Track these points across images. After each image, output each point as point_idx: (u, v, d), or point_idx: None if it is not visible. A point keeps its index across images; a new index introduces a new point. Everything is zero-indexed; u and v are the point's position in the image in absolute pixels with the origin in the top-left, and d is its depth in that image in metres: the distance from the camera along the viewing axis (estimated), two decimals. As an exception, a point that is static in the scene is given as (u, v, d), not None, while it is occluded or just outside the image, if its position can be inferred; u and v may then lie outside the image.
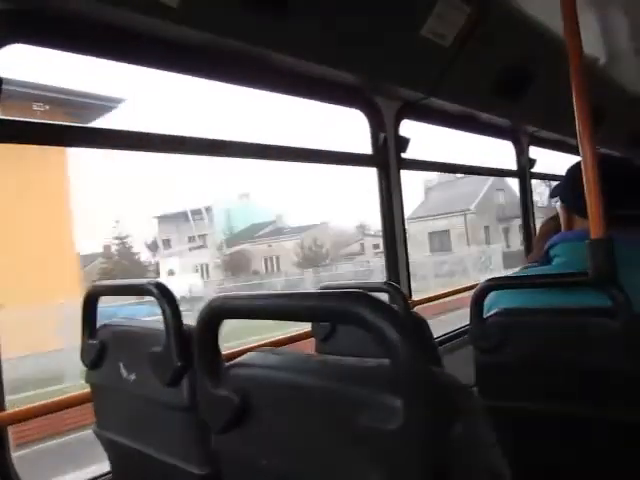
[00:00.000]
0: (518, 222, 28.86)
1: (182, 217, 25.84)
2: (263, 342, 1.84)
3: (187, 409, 0.87)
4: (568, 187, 1.33)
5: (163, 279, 19.52)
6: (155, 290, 0.92)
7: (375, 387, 0.53)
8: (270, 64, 1.72)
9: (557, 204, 1.38)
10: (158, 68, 1.54)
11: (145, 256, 24.96)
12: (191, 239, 25.77)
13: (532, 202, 3.37)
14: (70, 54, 1.35)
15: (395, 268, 2.14)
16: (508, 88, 2.54)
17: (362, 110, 2.14)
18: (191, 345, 0.84)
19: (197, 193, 29.88)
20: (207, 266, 25.18)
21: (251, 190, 30.53)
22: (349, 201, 40.74)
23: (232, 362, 0.70)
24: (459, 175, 24.70)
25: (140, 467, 1.05)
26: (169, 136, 1.57)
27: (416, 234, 25.59)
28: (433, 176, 27.13)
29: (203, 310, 0.66)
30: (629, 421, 1.07)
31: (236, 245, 25.96)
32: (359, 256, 26.77)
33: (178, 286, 16.79)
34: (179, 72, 1.61)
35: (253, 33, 1.54)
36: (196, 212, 26.05)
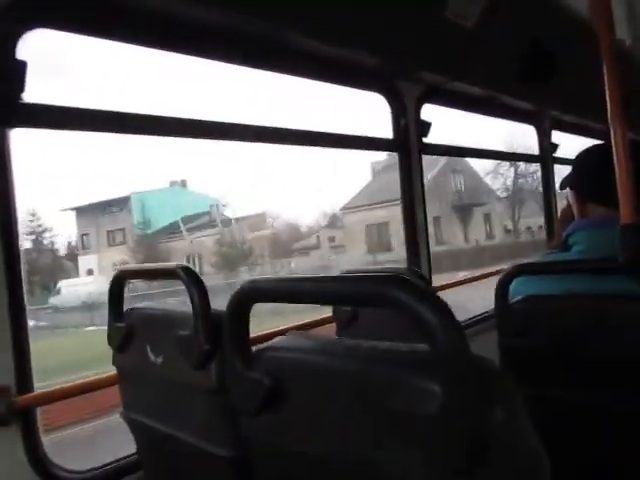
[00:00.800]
0: (481, 211, 24.46)
1: (102, 208, 22.08)
2: (282, 328, 1.84)
3: (215, 392, 0.88)
4: (580, 174, 1.31)
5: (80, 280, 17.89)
6: (183, 274, 0.92)
7: (410, 370, 0.52)
8: (290, 46, 1.70)
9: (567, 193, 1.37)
10: (176, 51, 1.53)
11: (64, 253, 21.91)
12: (110, 234, 22.37)
13: (554, 188, 3.31)
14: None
15: (416, 253, 2.13)
16: (531, 70, 2.49)
17: (383, 94, 2.11)
18: (219, 329, 0.84)
19: (125, 180, 26.97)
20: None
21: (191, 176, 26.11)
22: (311, 187, 36.90)
23: (263, 345, 0.70)
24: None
25: (167, 449, 1.06)
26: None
27: (352, 227, 22.36)
28: (383, 156, 20.74)
29: (235, 293, 0.66)
30: None
31: (160, 240, 21.65)
32: (314, 250, 23.24)
33: (87, 288, 15.29)
34: (197, 55, 1.59)
35: (273, 14, 1.52)
36: (117, 202, 22.20)
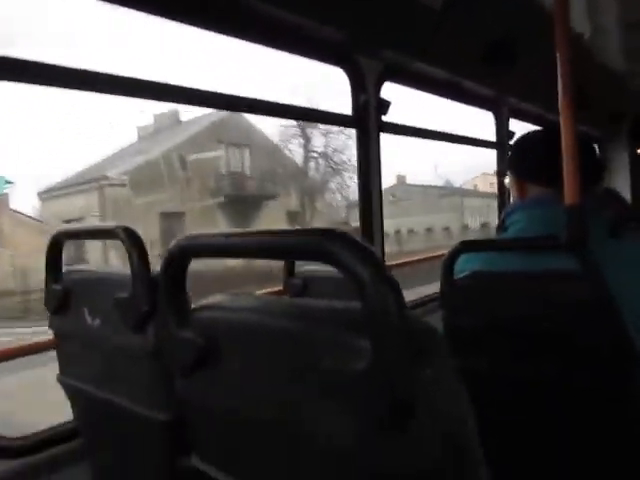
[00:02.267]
0: (283, 205, 17.78)
1: None
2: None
3: (152, 355, 0.86)
4: (518, 156, 1.37)
5: None
6: (122, 234, 0.89)
7: (342, 328, 0.52)
8: (249, 11, 1.65)
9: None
10: (135, 8, 1.47)
11: None
12: None
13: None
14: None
15: (370, 232, 2.14)
16: (494, 57, 2.51)
17: (344, 69, 2.09)
18: (158, 290, 0.82)
19: None
20: None
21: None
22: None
23: (198, 305, 0.68)
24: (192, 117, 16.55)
25: (105, 415, 1.04)
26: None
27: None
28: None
29: (169, 249, 0.64)
30: (590, 385, 1.10)
31: None
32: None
33: None
34: (151, 12, 1.53)
35: None
36: None
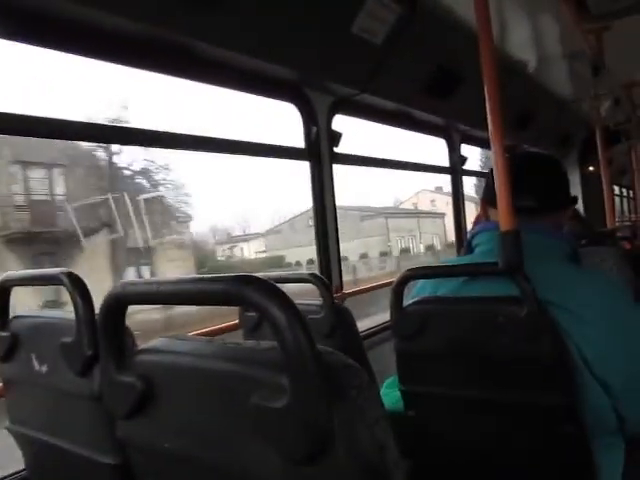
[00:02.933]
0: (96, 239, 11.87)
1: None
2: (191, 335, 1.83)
3: (97, 398, 0.86)
4: (487, 183, 1.41)
5: None
6: (66, 279, 0.90)
7: (266, 367, 0.54)
8: (201, 55, 1.70)
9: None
10: (89, 56, 1.51)
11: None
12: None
13: (463, 198, 3.49)
14: None
15: (327, 261, 2.17)
16: (439, 87, 2.62)
17: (295, 104, 2.15)
18: None
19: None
20: None
21: None
22: None
23: (139, 348, 0.70)
24: None
25: (54, 461, 1.03)
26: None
27: None
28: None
29: (106, 297, 0.66)
30: (532, 402, 1.15)
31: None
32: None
33: None
34: (108, 60, 1.57)
35: (184, 23, 1.52)
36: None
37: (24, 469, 1.19)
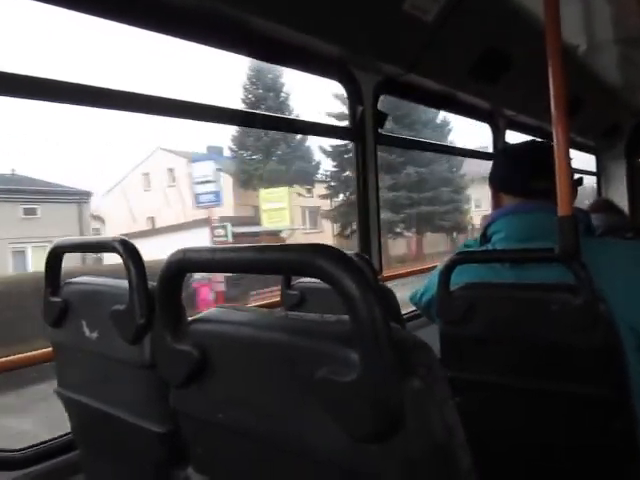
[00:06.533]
0: None
1: None
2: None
3: (149, 367, 0.87)
4: (497, 170, 1.43)
5: None
6: (120, 247, 0.91)
7: (334, 341, 0.53)
8: (249, 29, 1.68)
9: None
10: (136, 26, 1.50)
11: None
12: None
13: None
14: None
15: (367, 241, 2.15)
16: (488, 70, 2.54)
17: (341, 82, 2.12)
18: (155, 302, 0.84)
19: None
20: None
21: None
22: None
23: (193, 317, 0.70)
24: None
25: (101, 426, 1.05)
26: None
27: None
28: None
29: (166, 262, 0.65)
30: (583, 395, 1.11)
31: None
32: None
33: None
34: (157, 31, 1.56)
35: None
36: None
37: (69, 432, 1.21)
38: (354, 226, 20.34)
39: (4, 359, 1.31)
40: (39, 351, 1.30)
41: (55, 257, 1.06)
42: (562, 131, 1.16)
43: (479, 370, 1.25)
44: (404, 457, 0.49)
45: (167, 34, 1.55)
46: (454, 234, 23.82)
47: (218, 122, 1.82)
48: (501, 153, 1.44)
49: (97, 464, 1.13)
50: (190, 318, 0.71)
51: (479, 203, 26.30)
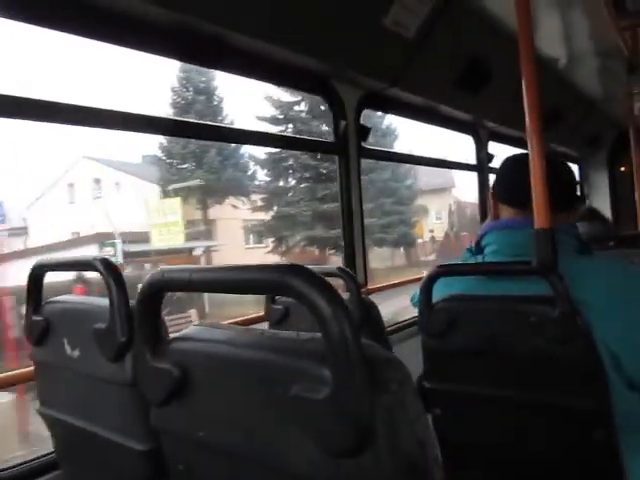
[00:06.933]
0: None
1: None
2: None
3: (130, 385, 0.87)
4: (498, 179, 1.41)
5: None
6: (100, 266, 0.91)
7: (308, 359, 0.54)
8: (229, 44, 1.70)
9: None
10: (120, 45, 1.51)
11: None
12: None
13: (489, 196, 3.43)
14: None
15: (352, 255, 2.17)
16: (469, 82, 2.59)
17: (324, 97, 2.14)
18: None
19: None
20: None
21: None
22: None
23: (173, 336, 0.70)
24: None
25: (84, 445, 1.04)
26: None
27: None
28: None
29: (144, 284, 0.66)
30: (563, 406, 1.13)
31: None
32: None
33: None
34: (144, 51, 1.57)
35: (214, 12, 1.52)
36: None
37: (53, 452, 1.20)
38: (289, 241, 18.96)
39: None
40: (20, 370, 1.29)
41: (37, 276, 1.06)
42: (537, 141, 1.17)
43: (461, 382, 1.26)
44: (377, 472, 0.50)
45: (144, 51, 1.56)
46: (401, 248, 22.81)
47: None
48: (503, 164, 1.43)
49: None
50: (171, 336, 0.71)
51: (440, 215, 26.19)
